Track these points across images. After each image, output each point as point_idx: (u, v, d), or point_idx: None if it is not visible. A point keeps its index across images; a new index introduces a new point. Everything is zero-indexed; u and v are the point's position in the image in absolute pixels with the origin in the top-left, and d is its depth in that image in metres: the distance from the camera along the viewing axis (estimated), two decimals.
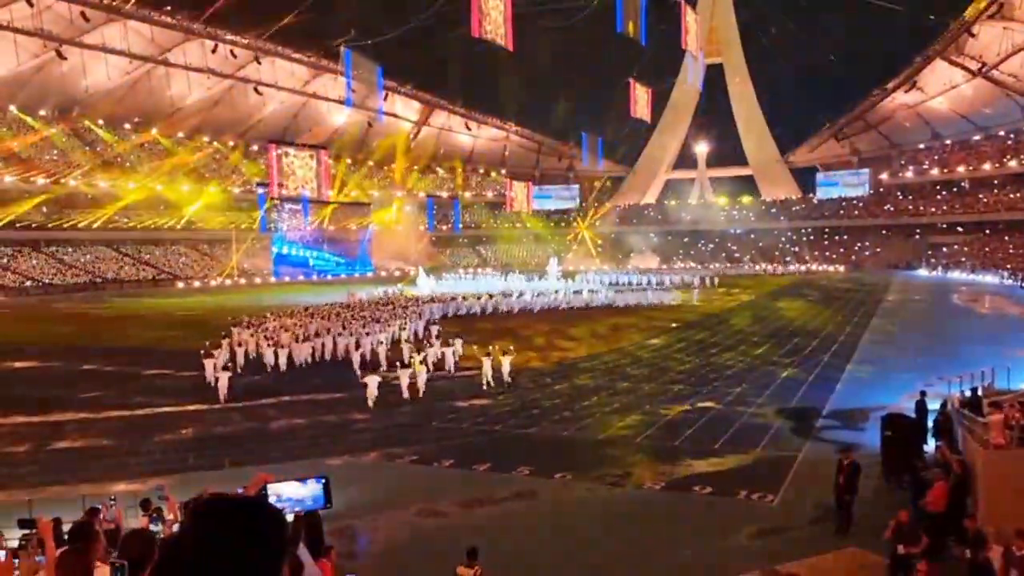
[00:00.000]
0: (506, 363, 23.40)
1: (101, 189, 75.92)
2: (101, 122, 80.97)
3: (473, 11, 43.33)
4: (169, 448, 16.89)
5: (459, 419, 19.14)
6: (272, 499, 3.47)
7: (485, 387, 22.63)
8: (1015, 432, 11.06)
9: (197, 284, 73.57)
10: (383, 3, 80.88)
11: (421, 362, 23.13)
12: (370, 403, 20.65)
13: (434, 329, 32.78)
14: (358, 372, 23.63)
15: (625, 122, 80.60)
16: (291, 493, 3.57)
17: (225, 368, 23.60)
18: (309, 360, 27.86)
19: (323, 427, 18.67)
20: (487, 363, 23.17)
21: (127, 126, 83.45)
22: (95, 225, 73.91)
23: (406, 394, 21.33)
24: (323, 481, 3.66)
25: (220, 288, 71.63)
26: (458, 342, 27.25)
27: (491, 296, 47.04)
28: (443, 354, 26.45)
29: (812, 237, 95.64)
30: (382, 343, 28.52)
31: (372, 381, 21.16)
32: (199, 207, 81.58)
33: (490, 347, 24.56)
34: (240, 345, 27.94)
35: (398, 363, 22.84)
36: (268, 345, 27.59)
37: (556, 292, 50.09)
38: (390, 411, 20.19)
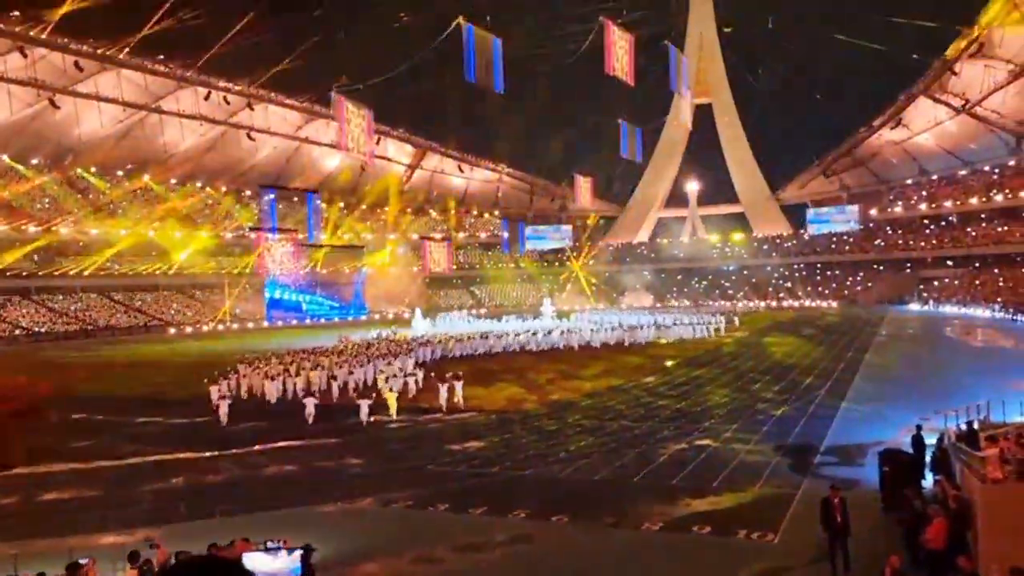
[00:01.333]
0: (458, 388, 26.90)
1: (92, 236, 76.05)
2: (94, 169, 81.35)
3: (466, 55, 43.97)
4: (160, 498, 16.63)
5: (454, 462, 18.94)
6: None
7: (442, 410, 25.56)
8: (1012, 466, 10.98)
9: (189, 330, 73.24)
10: (375, 48, 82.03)
11: (390, 390, 26.44)
12: (308, 421, 24.22)
13: (409, 363, 34.94)
14: (300, 394, 26.79)
15: (617, 162, 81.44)
16: (265, 568, 3.46)
17: (224, 397, 25.97)
18: (302, 392, 28.75)
19: (317, 473, 18.44)
20: (443, 389, 26.26)
21: (120, 173, 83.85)
22: (86, 272, 73.78)
23: (364, 421, 23.77)
24: (300, 551, 3.56)
25: (212, 334, 71.35)
26: (419, 373, 31.04)
27: (534, 333, 47.93)
28: (406, 383, 29.24)
29: (804, 273, 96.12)
30: (352, 374, 31.40)
31: (309, 402, 25.03)
32: (191, 253, 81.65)
33: (447, 374, 27.69)
34: (244, 377, 31.14)
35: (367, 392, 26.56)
36: (268, 379, 30.10)
37: (591, 329, 50.23)
38: (384, 456, 19.99)
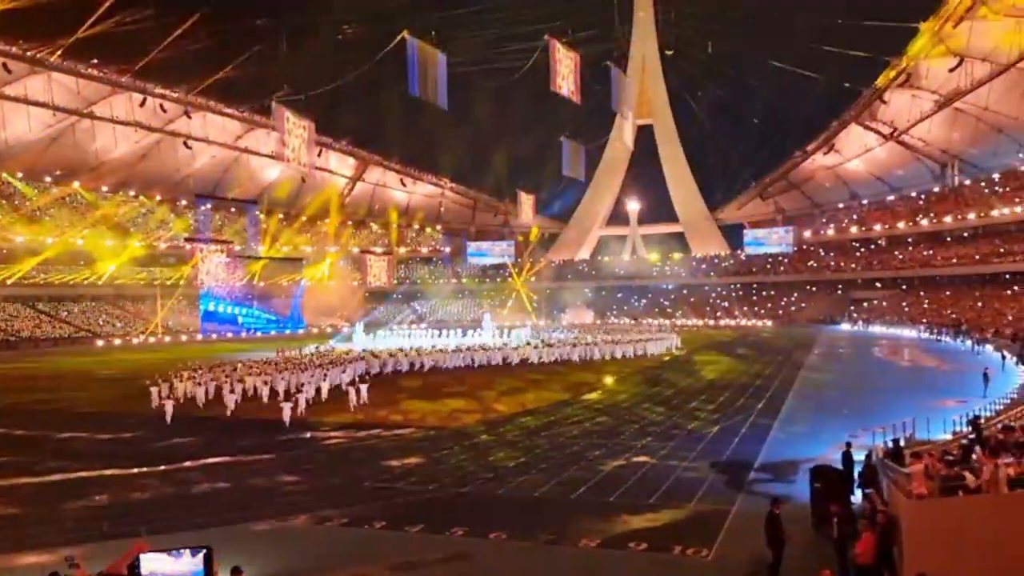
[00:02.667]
0: (363, 390, 30.25)
1: (17, 243, 73.21)
2: (20, 175, 78.45)
3: (410, 69, 43.91)
4: (82, 516, 15.97)
5: (392, 479, 18.69)
6: (145, 574, 3.29)
7: (353, 409, 28.84)
8: (936, 482, 11.32)
9: (118, 342, 71.01)
10: (318, 59, 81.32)
11: (298, 391, 29.91)
12: (228, 413, 28.25)
13: (344, 375, 36.73)
14: (227, 400, 29.43)
15: (560, 179, 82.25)
16: (165, 569, 3.31)
17: (168, 398, 28.72)
18: (239, 399, 30.37)
19: (249, 490, 17.97)
20: (352, 392, 29.71)
21: (48, 179, 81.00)
22: (9, 281, 70.99)
23: (287, 422, 25.98)
24: (203, 552, 3.41)
25: (143, 346, 69.33)
26: (330, 378, 34.36)
27: (536, 346, 48.58)
28: (319, 388, 31.92)
29: (741, 292, 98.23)
30: (284, 380, 33.16)
31: (230, 399, 29.18)
32: (122, 263, 79.29)
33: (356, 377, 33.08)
34: (182, 381, 32.78)
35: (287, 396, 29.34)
36: (199, 384, 31.95)
37: (551, 344, 50.24)
38: (319, 473, 19.61)
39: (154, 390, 30.25)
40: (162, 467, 20.15)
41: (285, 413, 26.19)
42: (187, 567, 3.24)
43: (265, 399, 30.89)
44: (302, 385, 31.63)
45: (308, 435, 24.24)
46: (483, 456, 21.03)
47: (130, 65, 71.51)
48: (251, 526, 15.03)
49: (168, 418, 26.71)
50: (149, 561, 3.15)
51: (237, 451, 22.01)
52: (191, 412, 29.03)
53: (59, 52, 66.82)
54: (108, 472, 19.70)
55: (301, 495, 17.48)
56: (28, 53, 66.11)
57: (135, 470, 19.86)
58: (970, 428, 17.76)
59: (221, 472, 19.65)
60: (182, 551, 3.33)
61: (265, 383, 32.29)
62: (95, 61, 70.95)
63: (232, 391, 30.10)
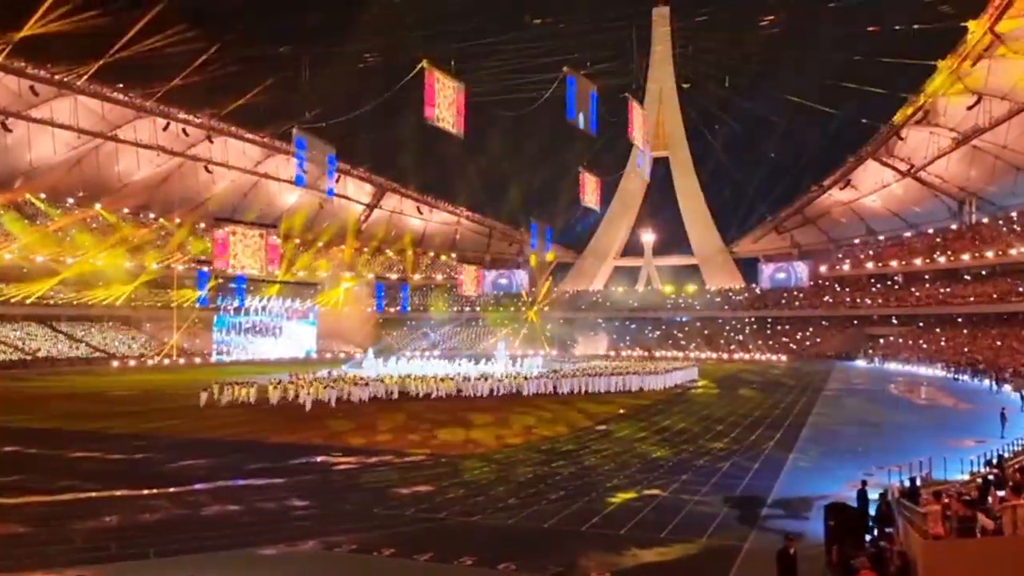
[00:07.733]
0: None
1: (38, 264, 74.02)
2: (44, 195, 79.56)
3: (427, 98, 44.41)
4: (91, 536, 15.96)
5: (402, 506, 18.59)
6: None
7: (308, 408, 37.15)
8: (953, 522, 11.16)
9: (133, 363, 71.38)
10: (338, 86, 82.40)
11: (308, 394, 38.62)
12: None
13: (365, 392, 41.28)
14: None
15: (575, 210, 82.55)
16: None
17: (206, 390, 39.13)
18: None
19: (259, 514, 17.91)
20: (305, 394, 38.70)
21: (70, 200, 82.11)
22: (28, 300, 71.67)
23: (307, 409, 36.41)
24: None
25: (158, 368, 69.64)
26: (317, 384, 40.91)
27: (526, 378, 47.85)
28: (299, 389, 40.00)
29: (755, 326, 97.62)
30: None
31: (274, 394, 39.54)
32: (140, 284, 79.99)
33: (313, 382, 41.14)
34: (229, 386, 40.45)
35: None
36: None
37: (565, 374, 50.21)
38: (329, 498, 19.54)
39: (203, 395, 39.04)
40: (172, 489, 20.16)
41: (307, 405, 37.36)
42: None
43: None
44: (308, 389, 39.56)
45: (319, 459, 24.20)
46: (493, 485, 20.90)
47: (155, 89, 72.70)
48: (260, 550, 14.98)
49: (202, 404, 37.91)
50: None
51: (247, 474, 22.01)
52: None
53: (85, 76, 68.02)
54: (119, 492, 19.72)
55: (310, 520, 17.41)
56: (55, 76, 67.37)
57: (146, 491, 19.88)
58: (988, 468, 17.52)
59: (230, 495, 19.62)
60: None
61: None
62: (120, 85, 72.19)
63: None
